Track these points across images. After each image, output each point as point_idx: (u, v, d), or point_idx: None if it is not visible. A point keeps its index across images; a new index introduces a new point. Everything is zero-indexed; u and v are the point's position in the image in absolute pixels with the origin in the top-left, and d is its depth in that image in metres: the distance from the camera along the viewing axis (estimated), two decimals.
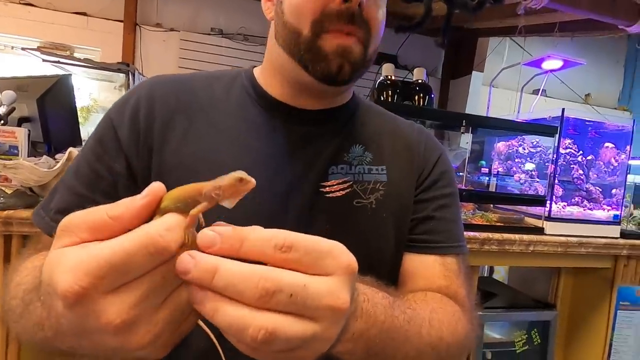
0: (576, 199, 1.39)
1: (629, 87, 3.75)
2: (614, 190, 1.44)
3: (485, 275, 2.44)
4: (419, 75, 1.23)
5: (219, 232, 0.23)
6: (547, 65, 1.82)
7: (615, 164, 1.45)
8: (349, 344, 0.30)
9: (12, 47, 2.33)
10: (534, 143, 1.48)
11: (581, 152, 1.40)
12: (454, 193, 0.56)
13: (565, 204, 1.37)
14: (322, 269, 0.24)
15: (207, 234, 0.23)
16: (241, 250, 0.22)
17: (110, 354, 0.25)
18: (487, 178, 1.58)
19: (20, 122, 1.16)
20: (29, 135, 1.04)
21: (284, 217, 0.47)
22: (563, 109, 1.24)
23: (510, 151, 1.53)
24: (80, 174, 0.47)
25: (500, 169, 1.55)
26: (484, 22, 2.58)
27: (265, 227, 0.24)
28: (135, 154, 0.47)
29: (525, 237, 1.24)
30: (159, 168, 0.47)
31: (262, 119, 0.50)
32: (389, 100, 1.24)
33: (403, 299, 0.38)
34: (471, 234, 1.20)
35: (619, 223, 1.36)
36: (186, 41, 2.90)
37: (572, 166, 1.40)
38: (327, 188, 0.49)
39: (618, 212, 1.38)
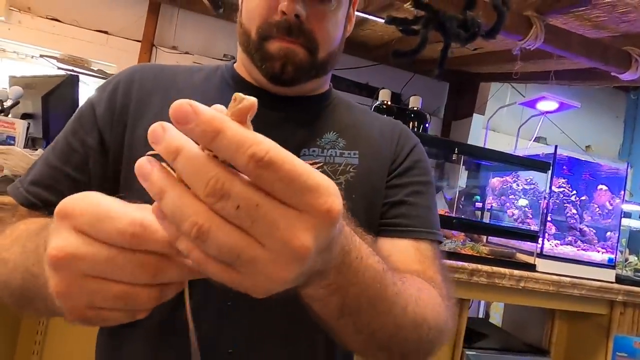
0: (569, 238, 1.37)
1: (629, 142, 3.80)
2: (608, 233, 1.42)
3: (481, 316, 2.36)
4: (414, 103, 1.26)
5: (197, 111, 0.20)
6: (542, 106, 1.86)
7: (610, 208, 1.44)
8: (323, 291, 0.28)
9: (32, 57, 2.44)
10: (528, 180, 1.49)
11: (575, 192, 1.40)
12: (429, 182, 0.55)
13: (559, 242, 1.34)
14: (296, 203, 0.20)
15: (183, 107, 0.20)
16: (212, 144, 0.20)
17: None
18: (480, 213, 1.57)
19: (24, 117, 1.19)
20: (27, 128, 1.06)
21: None
22: (556, 146, 1.25)
23: (504, 187, 1.53)
24: (56, 148, 0.49)
25: (494, 204, 1.55)
26: (484, 67, 2.68)
27: None
28: (109, 128, 0.49)
29: (516, 272, 1.21)
30: (131, 143, 0.49)
31: None
32: None
33: (395, 271, 0.36)
34: (459, 263, 1.17)
35: (614, 267, 1.33)
36: (199, 64, 3.02)
37: (565, 205, 1.39)
38: None
39: (613, 256, 1.35)
